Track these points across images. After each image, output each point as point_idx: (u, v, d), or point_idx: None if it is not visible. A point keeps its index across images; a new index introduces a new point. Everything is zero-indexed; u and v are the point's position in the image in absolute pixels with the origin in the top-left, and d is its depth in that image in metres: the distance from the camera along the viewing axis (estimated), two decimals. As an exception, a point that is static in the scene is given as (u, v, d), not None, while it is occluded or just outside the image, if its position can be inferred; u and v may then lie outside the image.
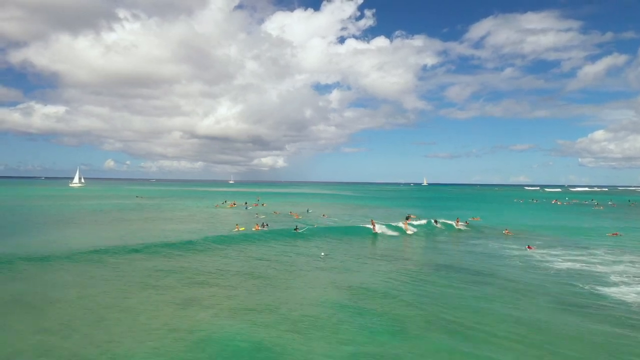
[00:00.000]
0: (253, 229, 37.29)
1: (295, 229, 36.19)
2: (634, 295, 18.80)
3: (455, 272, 23.31)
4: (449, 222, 45.36)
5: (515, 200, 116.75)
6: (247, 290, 18.52)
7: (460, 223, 44.64)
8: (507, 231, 40.56)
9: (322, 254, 27.94)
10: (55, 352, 11.85)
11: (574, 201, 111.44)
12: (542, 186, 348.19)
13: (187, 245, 28.37)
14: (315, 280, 20.76)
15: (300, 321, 14.53)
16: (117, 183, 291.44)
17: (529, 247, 31.23)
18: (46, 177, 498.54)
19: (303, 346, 12.45)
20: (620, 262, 26.72)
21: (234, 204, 71.99)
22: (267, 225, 40.47)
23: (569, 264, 25.87)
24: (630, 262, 26.76)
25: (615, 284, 20.79)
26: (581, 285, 20.48)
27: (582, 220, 57.91)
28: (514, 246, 32.57)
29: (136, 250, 25.82)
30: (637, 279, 22.05)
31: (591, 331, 14.27)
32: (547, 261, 26.86)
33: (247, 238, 32.62)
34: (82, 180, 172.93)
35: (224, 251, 27.75)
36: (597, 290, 19.65)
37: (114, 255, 24.51)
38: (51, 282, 18.79)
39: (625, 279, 21.86)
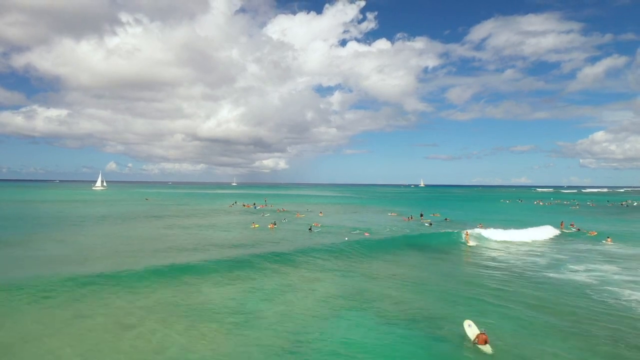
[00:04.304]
0: (269, 227, 45.22)
1: (309, 229, 41.43)
2: (520, 264, 28.50)
3: (419, 250, 32.77)
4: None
5: (501, 201, 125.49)
6: (275, 272, 26.95)
7: (574, 227, 47.95)
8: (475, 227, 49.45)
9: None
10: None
11: (556, 202, 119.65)
12: (557, 187, 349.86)
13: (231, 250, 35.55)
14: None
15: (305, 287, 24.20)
16: (134, 186, 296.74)
17: (466, 233, 39.58)
18: (60, 180, 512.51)
19: (309, 302, 20.60)
20: (543, 246, 36.57)
21: (244, 205, 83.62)
22: (284, 220, 51.49)
23: (508, 246, 36.35)
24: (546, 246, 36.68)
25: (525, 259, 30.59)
26: (500, 260, 30.48)
27: (544, 216, 66.12)
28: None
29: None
30: (532, 254, 31.85)
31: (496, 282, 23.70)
32: (482, 246, 36.78)
33: (267, 235, 41.12)
34: (104, 184, 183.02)
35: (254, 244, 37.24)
36: (509, 261, 29.70)
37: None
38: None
39: (523, 257, 31.63)
